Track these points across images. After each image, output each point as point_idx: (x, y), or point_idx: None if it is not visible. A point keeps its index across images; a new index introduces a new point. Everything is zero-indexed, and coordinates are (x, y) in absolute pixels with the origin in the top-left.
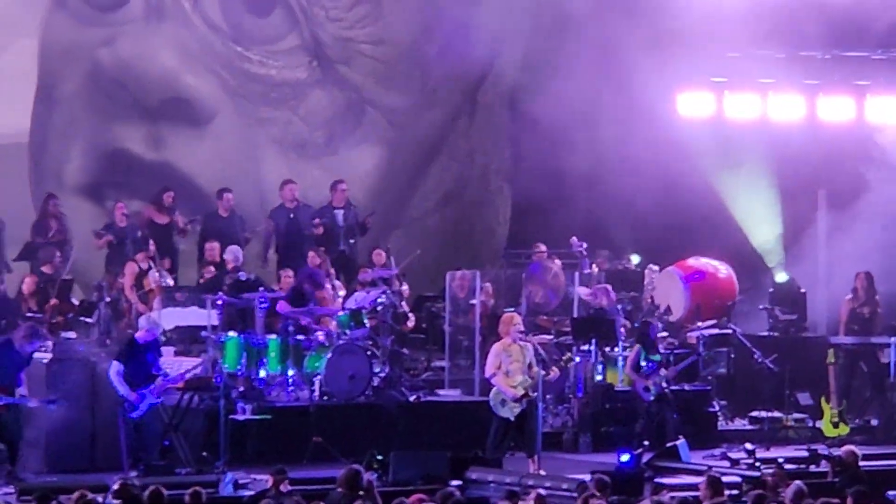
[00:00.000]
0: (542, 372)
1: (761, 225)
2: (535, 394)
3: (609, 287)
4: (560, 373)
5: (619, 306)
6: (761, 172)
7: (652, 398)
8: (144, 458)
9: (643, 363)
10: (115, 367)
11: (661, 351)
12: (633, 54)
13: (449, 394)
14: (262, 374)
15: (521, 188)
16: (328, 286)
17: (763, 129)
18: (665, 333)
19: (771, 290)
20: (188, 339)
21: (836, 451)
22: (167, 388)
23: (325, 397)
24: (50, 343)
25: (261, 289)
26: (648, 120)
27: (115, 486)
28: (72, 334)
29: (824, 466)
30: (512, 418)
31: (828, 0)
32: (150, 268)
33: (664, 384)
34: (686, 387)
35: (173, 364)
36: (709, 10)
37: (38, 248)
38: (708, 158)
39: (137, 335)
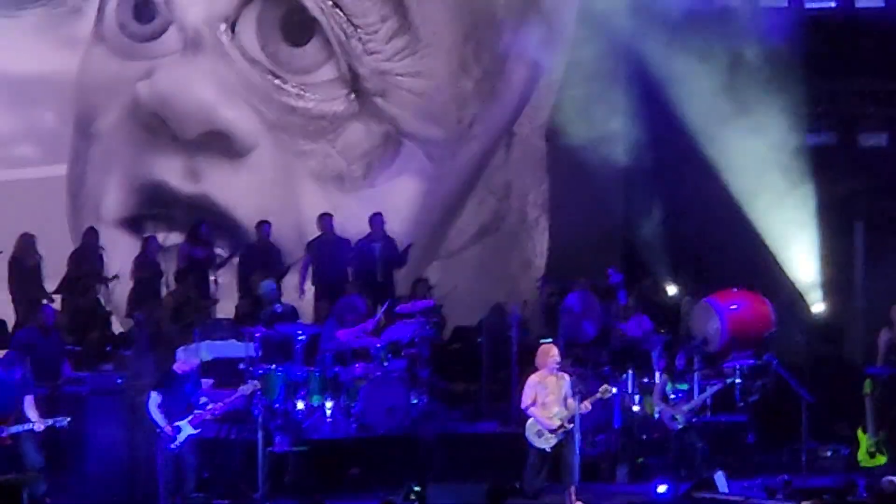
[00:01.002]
0: (578, 405)
1: (798, 256)
2: (572, 425)
3: (644, 317)
4: (591, 406)
5: (657, 337)
6: (799, 202)
7: (679, 427)
8: (182, 491)
9: (670, 393)
10: (153, 399)
11: (698, 381)
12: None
13: (486, 425)
14: (301, 405)
15: (559, 220)
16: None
17: (800, 159)
18: (701, 365)
19: (808, 321)
20: (226, 372)
21: (875, 483)
22: (206, 419)
23: (363, 429)
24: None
25: (298, 321)
26: (687, 150)
27: None
28: (109, 366)
29: (861, 496)
30: (548, 450)
31: None
32: (188, 300)
33: (693, 413)
34: (723, 418)
35: (212, 396)
36: None
37: (75, 281)
38: (745, 187)
39: (175, 366)
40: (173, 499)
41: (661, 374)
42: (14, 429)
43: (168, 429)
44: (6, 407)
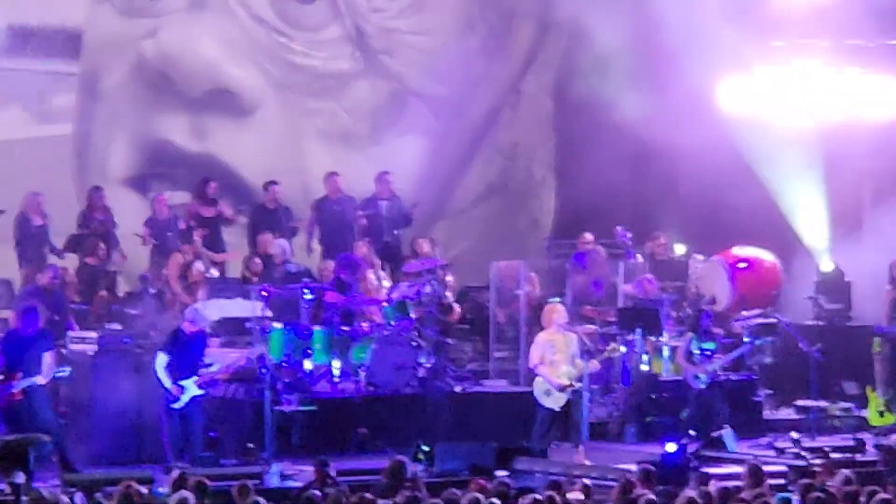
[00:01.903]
0: (586, 364)
1: (807, 214)
2: (580, 384)
3: (650, 277)
4: (600, 365)
5: (665, 296)
6: (807, 161)
7: (702, 386)
8: (190, 451)
9: (696, 351)
10: (160, 359)
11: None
12: (679, 40)
13: (494, 384)
14: (308, 365)
15: (567, 178)
16: (370, 274)
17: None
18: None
19: (816, 279)
20: (233, 330)
21: (884, 441)
22: (212, 379)
23: (371, 388)
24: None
25: (305, 279)
26: (694, 108)
27: (174, 476)
28: (117, 326)
29: (871, 455)
30: (557, 409)
31: None
32: (195, 259)
33: (719, 372)
34: (732, 376)
35: (218, 356)
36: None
37: (82, 240)
38: (753, 146)
39: (183, 326)
40: (180, 458)
41: (681, 332)
42: (22, 383)
43: (173, 389)
44: (19, 361)
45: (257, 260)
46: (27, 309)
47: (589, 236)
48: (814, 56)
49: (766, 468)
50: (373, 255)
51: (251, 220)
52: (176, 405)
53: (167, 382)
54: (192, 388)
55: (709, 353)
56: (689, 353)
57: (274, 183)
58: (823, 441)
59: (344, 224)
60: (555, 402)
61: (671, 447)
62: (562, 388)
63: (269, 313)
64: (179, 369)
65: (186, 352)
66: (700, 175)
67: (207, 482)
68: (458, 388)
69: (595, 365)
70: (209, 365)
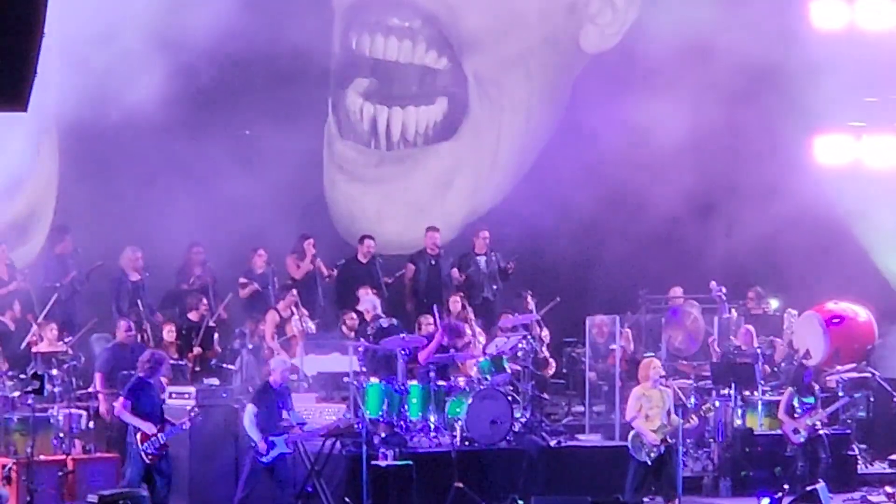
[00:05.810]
0: (682, 420)
1: None
2: (674, 440)
3: (751, 328)
4: (699, 421)
5: (759, 350)
6: None
7: (802, 440)
8: None
9: (797, 405)
10: (249, 411)
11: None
12: (771, 96)
13: (589, 439)
14: (404, 420)
15: (660, 233)
16: (468, 334)
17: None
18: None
19: None
20: (330, 385)
21: None
22: (301, 438)
23: (467, 443)
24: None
25: (402, 335)
26: (787, 163)
27: None
28: (215, 381)
29: None
30: (650, 462)
31: None
32: (291, 315)
33: (818, 426)
34: (827, 430)
35: (314, 411)
36: (847, 55)
37: (181, 296)
38: (846, 201)
39: (271, 379)
40: None
41: (778, 387)
42: (168, 432)
43: (262, 445)
44: (159, 409)
45: (353, 315)
46: (153, 359)
47: (678, 290)
48: None
49: None
50: (468, 310)
51: (341, 274)
52: (263, 459)
53: (256, 437)
54: (280, 444)
55: (808, 406)
56: (791, 408)
57: (368, 237)
58: None
59: (441, 280)
60: (647, 455)
61: (765, 502)
62: (655, 444)
63: (363, 369)
64: (268, 423)
65: (273, 405)
66: (795, 230)
67: None
68: (553, 443)
69: (693, 421)
70: (303, 423)
